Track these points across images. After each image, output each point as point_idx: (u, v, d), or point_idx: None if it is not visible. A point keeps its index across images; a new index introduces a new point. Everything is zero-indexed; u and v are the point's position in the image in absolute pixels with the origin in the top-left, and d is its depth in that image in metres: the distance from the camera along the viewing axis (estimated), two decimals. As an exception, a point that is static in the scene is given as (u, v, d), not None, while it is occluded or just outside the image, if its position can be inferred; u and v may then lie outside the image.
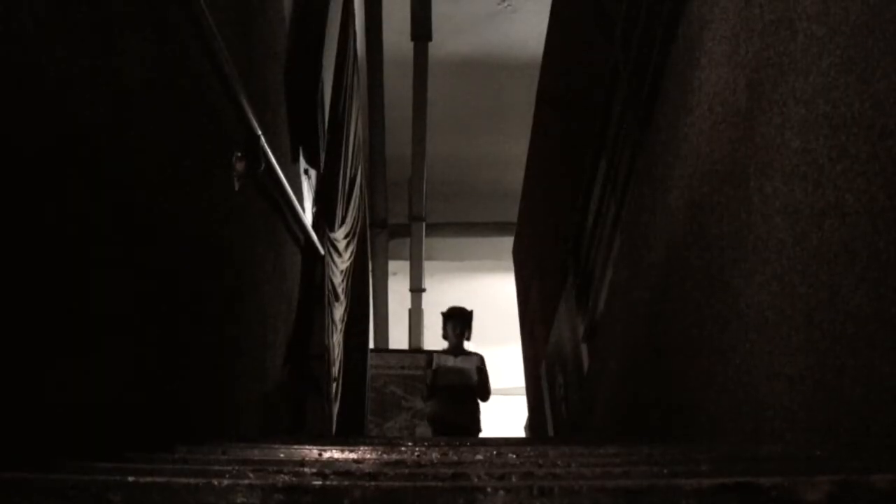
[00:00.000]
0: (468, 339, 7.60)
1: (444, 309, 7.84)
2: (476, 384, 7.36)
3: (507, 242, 10.02)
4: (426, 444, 3.17)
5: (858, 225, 1.85)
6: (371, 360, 8.68)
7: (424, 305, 12.14)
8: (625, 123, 4.12)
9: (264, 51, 4.18)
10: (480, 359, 7.53)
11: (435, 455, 2.25)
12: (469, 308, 7.77)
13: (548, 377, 7.16)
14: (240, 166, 3.38)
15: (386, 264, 11.74)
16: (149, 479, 1.32)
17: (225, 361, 3.29)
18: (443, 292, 10.97)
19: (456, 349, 7.56)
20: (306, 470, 1.66)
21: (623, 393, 4.01)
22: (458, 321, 7.63)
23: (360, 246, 7.24)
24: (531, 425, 8.99)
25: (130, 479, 1.30)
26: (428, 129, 10.34)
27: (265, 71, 4.20)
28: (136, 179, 2.33)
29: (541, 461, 1.99)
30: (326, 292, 5.56)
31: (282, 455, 2.17)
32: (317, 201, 5.89)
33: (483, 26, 9.36)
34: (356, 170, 6.97)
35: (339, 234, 6.02)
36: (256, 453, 2.24)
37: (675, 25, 3.31)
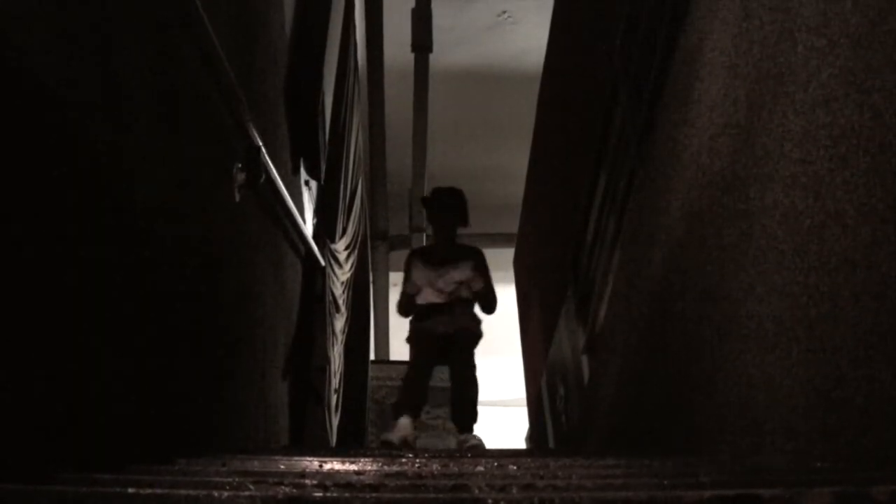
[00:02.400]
0: (465, 225, 5.82)
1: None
2: (474, 295, 5.63)
3: (508, 254, 10.01)
4: (427, 455, 3.17)
5: (858, 236, 1.85)
6: (372, 371, 8.68)
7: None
8: (625, 135, 4.12)
9: (265, 62, 4.19)
10: (476, 255, 5.71)
11: (436, 467, 2.25)
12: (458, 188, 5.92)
13: (548, 389, 7.15)
14: (240, 178, 3.38)
15: (387, 276, 11.72)
16: (149, 490, 1.32)
17: (225, 372, 3.29)
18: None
19: (442, 250, 5.76)
20: (307, 481, 1.66)
21: (623, 405, 4.01)
22: (445, 209, 5.80)
23: (360, 257, 7.24)
24: (532, 436, 8.97)
25: (131, 490, 1.30)
26: (428, 141, 10.35)
27: (266, 82, 4.21)
28: (135, 191, 2.33)
29: (541, 473, 1.99)
30: (327, 303, 5.56)
31: (282, 466, 2.17)
32: (317, 212, 5.89)
33: (483, 38, 9.39)
34: (357, 181, 6.98)
35: (340, 246, 6.02)
36: (257, 465, 2.23)
37: (674, 37, 3.32)
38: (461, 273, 5.54)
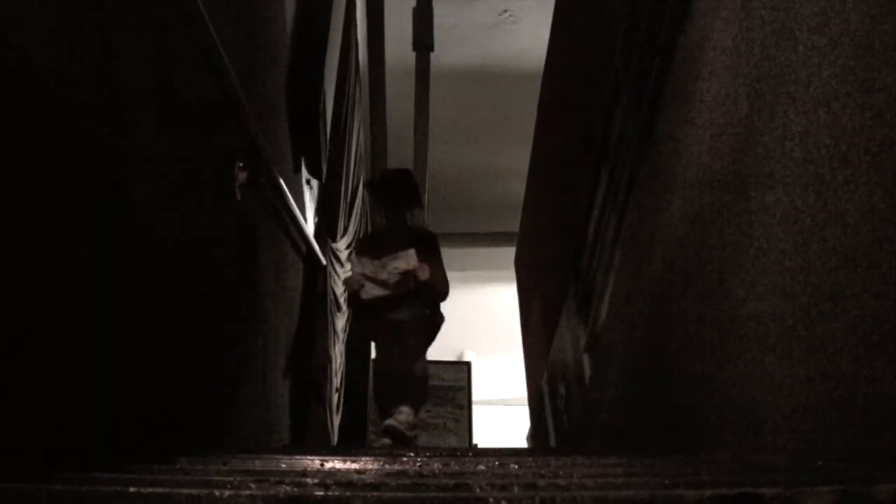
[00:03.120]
0: (417, 210, 5.31)
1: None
2: (421, 287, 5.09)
3: (509, 253, 10.01)
4: (428, 454, 3.17)
5: (860, 234, 1.85)
6: (373, 370, 8.67)
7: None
8: (626, 134, 4.12)
9: (266, 61, 4.19)
10: (426, 240, 5.24)
11: (437, 465, 2.25)
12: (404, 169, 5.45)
13: (549, 388, 7.15)
14: (242, 177, 3.38)
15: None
16: (150, 489, 1.32)
17: (226, 371, 3.29)
18: (444, 302, 10.96)
19: (389, 237, 5.25)
20: (308, 480, 1.66)
21: (624, 403, 4.01)
22: (393, 189, 5.30)
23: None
24: (533, 436, 8.98)
25: (132, 489, 1.30)
26: (430, 140, 10.35)
27: (267, 81, 4.21)
28: (136, 190, 2.33)
29: (543, 472, 1.99)
30: (329, 302, 5.57)
31: (283, 465, 2.17)
32: (318, 212, 5.90)
33: (485, 37, 9.38)
34: (358, 180, 6.99)
35: (342, 245, 6.03)
36: (258, 464, 2.24)
37: (675, 37, 3.31)
38: (406, 262, 5.01)
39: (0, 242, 1.61)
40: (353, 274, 5.23)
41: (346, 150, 6.29)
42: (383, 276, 5.06)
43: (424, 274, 5.02)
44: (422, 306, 5.15)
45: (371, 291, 5.11)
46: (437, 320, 5.34)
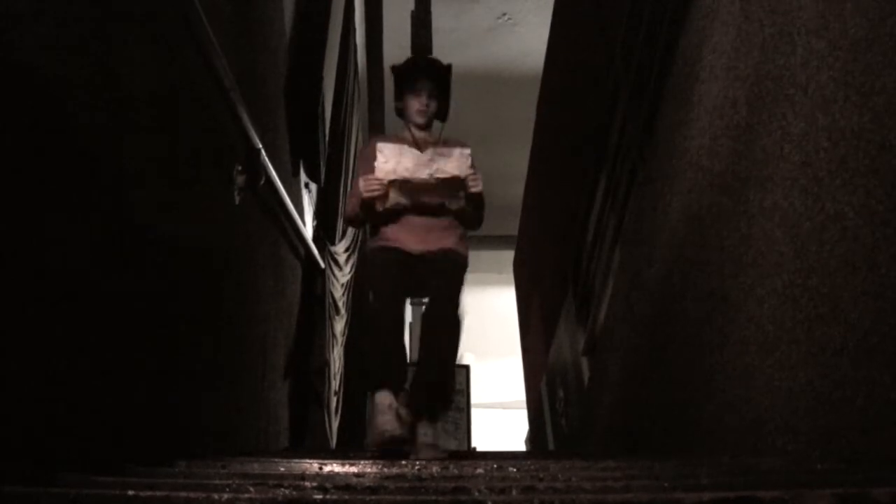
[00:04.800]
0: (443, 119, 3.76)
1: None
2: (467, 204, 3.53)
3: (508, 256, 10.02)
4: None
5: (858, 238, 1.85)
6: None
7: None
8: (625, 137, 4.13)
9: (265, 64, 4.19)
10: (465, 147, 3.53)
11: (435, 469, 2.25)
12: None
13: (548, 391, 7.15)
14: (240, 180, 3.38)
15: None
16: (149, 493, 1.32)
17: (225, 374, 3.29)
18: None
19: (422, 137, 3.65)
20: (307, 484, 1.66)
21: (623, 406, 4.01)
22: (431, 79, 3.70)
23: (360, 259, 7.24)
24: (532, 439, 8.97)
25: (130, 493, 1.30)
26: (428, 143, 10.34)
27: (266, 84, 4.21)
28: (135, 192, 2.33)
29: (541, 475, 1.99)
30: (327, 306, 5.57)
31: (282, 469, 2.17)
32: (317, 215, 5.90)
33: (483, 40, 9.39)
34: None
35: (340, 248, 6.02)
36: (256, 467, 2.23)
37: (675, 39, 3.32)
38: (457, 163, 3.42)
39: (1, 242, 1.61)
40: (380, 167, 3.40)
41: (344, 154, 6.29)
42: (422, 175, 3.39)
43: (479, 185, 3.46)
44: (459, 236, 3.63)
45: (400, 200, 3.44)
46: (467, 260, 3.65)
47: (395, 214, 3.51)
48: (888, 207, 1.74)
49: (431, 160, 3.44)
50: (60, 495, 1.26)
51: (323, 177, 5.71)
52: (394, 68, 3.76)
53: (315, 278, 5.47)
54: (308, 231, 5.33)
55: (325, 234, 5.78)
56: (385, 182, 3.41)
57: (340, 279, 5.94)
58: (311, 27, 5.16)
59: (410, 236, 3.51)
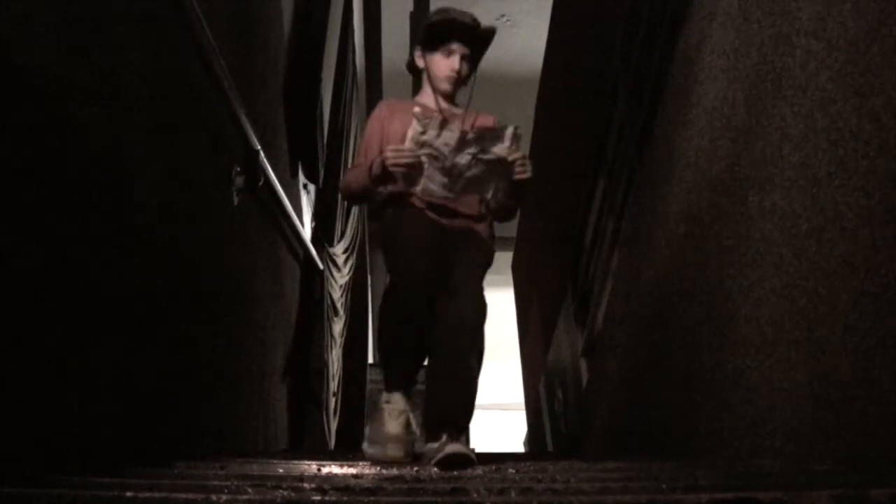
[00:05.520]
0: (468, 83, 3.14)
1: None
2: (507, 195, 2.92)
3: (507, 257, 10.01)
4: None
5: (857, 239, 1.85)
6: (370, 375, 8.67)
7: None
8: (624, 138, 4.13)
9: (264, 65, 4.19)
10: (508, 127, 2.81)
11: (434, 470, 2.25)
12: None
13: (547, 392, 7.15)
14: (239, 181, 3.38)
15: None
16: (147, 494, 1.32)
17: (224, 376, 3.29)
18: None
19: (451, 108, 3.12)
20: (305, 485, 1.66)
21: (622, 408, 4.01)
22: (471, 41, 3.09)
23: (359, 261, 7.24)
24: (530, 440, 8.97)
25: (129, 494, 1.30)
26: (427, 144, 10.33)
27: (264, 86, 4.21)
28: (134, 193, 2.33)
29: (540, 476, 1.99)
30: (325, 307, 5.56)
31: (280, 470, 2.17)
32: (316, 216, 5.90)
33: (482, 41, 9.39)
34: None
35: (339, 249, 6.03)
36: (255, 468, 2.23)
37: (674, 40, 3.32)
38: (507, 144, 2.77)
39: (0, 243, 1.61)
40: (413, 136, 2.73)
41: (343, 155, 6.29)
42: (462, 159, 2.75)
43: (528, 170, 2.84)
44: (487, 224, 3.11)
45: (431, 186, 2.80)
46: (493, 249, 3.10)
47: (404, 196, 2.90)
48: (887, 208, 1.74)
49: (479, 138, 2.74)
50: (59, 496, 1.26)
51: (321, 178, 5.71)
52: (429, 23, 3.07)
53: (314, 279, 5.47)
54: (307, 232, 5.33)
55: (323, 235, 5.78)
56: (419, 156, 2.73)
57: (339, 280, 5.94)
58: (311, 27, 5.16)
59: (431, 215, 2.92)
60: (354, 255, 6.67)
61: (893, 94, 1.74)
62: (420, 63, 3.13)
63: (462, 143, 2.74)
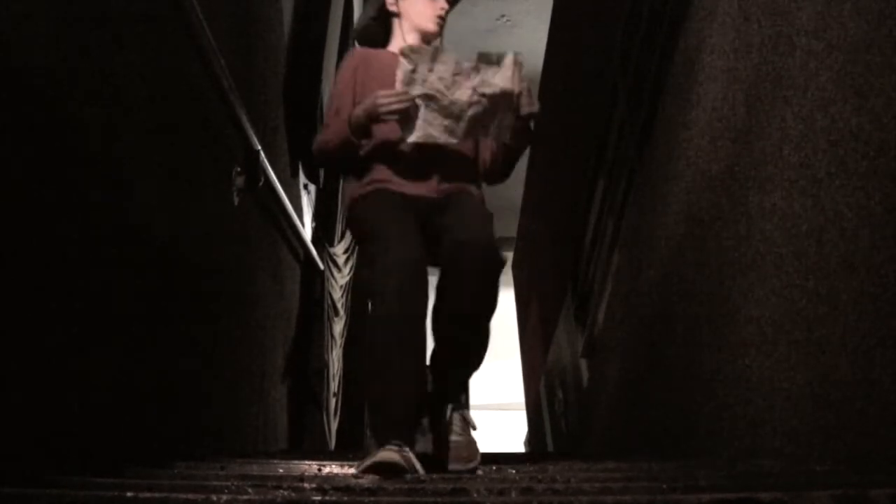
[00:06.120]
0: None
1: None
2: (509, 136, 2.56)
3: (507, 257, 10.01)
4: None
5: (857, 239, 1.85)
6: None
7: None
8: (624, 139, 4.12)
9: (264, 65, 4.19)
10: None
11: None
12: None
13: (547, 392, 7.15)
14: (239, 181, 3.38)
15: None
16: (147, 494, 1.32)
17: (224, 376, 3.29)
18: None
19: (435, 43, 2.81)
20: (306, 485, 1.66)
21: (622, 408, 4.01)
22: None
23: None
24: (530, 440, 8.97)
25: (129, 494, 1.30)
26: (427, 144, 10.33)
27: (265, 86, 4.21)
28: (134, 194, 2.33)
29: (540, 476, 1.99)
30: (326, 307, 5.56)
31: (281, 470, 2.17)
32: (316, 216, 5.89)
33: (482, 41, 9.38)
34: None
35: (339, 249, 6.02)
36: (255, 468, 2.23)
37: (674, 40, 3.32)
38: (506, 77, 2.44)
39: (0, 243, 1.61)
40: (403, 76, 2.41)
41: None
42: (462, 94, 2.43)
43: (535, 104, 2.49)
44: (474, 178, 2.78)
45: (432, 132, 2.45)
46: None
47: (386, 148, 2.56)
48: (887, 209, 1.74)
49: (477, 66, 2.42)
50: (59, 496, 1.26)
51: (322, 178, 5.71)
52: None
53: (314, 280, 5.47)
54: (307, 232, 5.33)
55: (324, 235, 5.78)
56: (414, 98, 2.40)
57: (339, 281, 5.93)
58: (311, 27, 5.16)
59: (409, 176, 2.58)
60: (355, 255, 6.67)
61: (893, 94, 1.74)
62: (394, 8, 2.81)
63: (458, 76, 2.43)
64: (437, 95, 2.42)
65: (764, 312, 2.31)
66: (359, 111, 2.48)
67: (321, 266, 5.48)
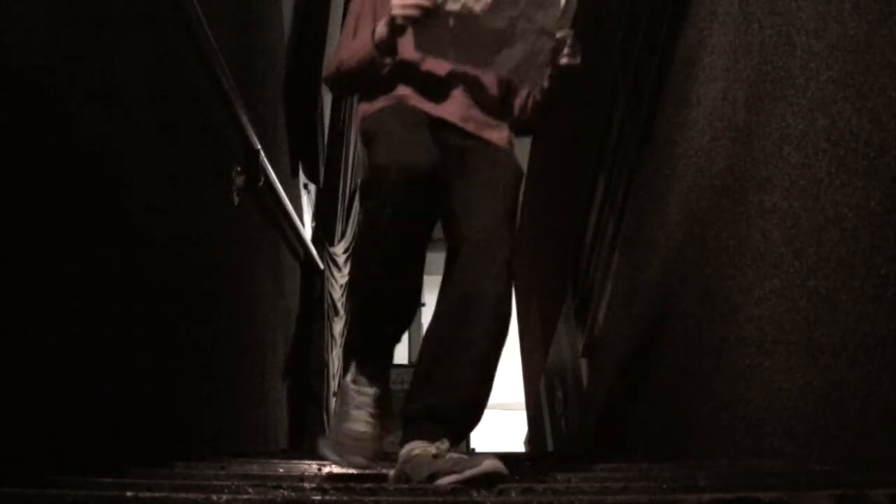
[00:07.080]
0: None
1: None
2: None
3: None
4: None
5: (857, 239, 1.85)
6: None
7: (424, 320, 12.02)
8: (624, 138, 4.12)
9: (264, 65, 4.19)
10: None
11: (434, 470, 2.24)
12: None
13: (547, 392, 7.15)
14: (239, 181, 3.38)
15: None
16: (147, 494, 1.32)
17: (224, 376, 3.29)
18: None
19: None
20: (306, 485, 1.66)
21: (622, 408, 4.01)
22: None
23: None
24: (531, 440, 8.97)
25: (129, 494, 1.30)
26: (427, 144, 10.29)
27: (265, 86, 4.21)
28: (135, 193, 2.33)
29: (540, 476, 1.99)
30: (326, 307, 5.56)
31: (281, 470, 2.17)
32: (316, 216, 5.90)
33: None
34: (356, 184, 6.98)
35: (339, 249, 6.02)
36: (256, 468, 2.23)
37: (674, 40, 3.32)
38: (555, 13, 2.20)
39: (0, 243, 1.61)
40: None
41: (344, 155, 6.29)
42: (497, 22, 2.11)
43: (575, 58, 2.28)
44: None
45: (444, 39, 2.12)
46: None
47: (411, 68, 2.28)
48: (887, 209, 1.74)
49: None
50: (59, 496, 1.26)
51: (322, 178, 5.71)
52: None
53: (314, 279, 5.47)
54: (307, 232, 5.33)
55: (324, 235, 5.78)
56: (436, 5, 2.07)
57: (339, 280, 5.93)
58: (311, 27, 5.16)
59: (435, 96, 2.28)
60: (355, 254, 6.67)
61: (893, 94, 1.74)
62: None
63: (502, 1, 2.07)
64: (466, 13, 2.07)
65: (764, 312, 2.31)
66: (381, 23, 2.20)
67: (321, 265, 5.48)
